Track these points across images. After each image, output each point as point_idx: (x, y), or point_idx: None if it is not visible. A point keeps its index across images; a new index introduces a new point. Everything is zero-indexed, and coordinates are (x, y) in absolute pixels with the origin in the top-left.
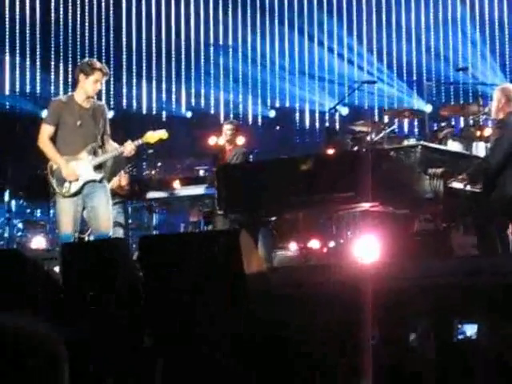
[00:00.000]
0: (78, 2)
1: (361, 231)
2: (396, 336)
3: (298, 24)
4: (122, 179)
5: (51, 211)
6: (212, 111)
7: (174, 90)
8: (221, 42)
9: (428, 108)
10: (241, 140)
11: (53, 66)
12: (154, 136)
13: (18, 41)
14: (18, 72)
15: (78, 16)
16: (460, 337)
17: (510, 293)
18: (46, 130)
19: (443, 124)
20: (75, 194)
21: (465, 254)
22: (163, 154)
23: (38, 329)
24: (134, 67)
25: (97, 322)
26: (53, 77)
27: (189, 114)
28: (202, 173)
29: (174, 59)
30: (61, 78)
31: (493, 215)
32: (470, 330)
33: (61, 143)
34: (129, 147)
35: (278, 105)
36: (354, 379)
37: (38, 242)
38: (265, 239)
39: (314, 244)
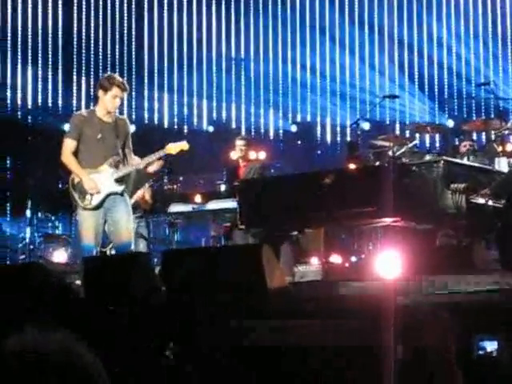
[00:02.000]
0: (100, 15)
1: (382, 246)
2: (417, 352)
3: (321, 38)
4: (145, 193)
5: (73, 225)
6: (234, 125)
7: (195, 104)
8: (243, 56)
9: (450, 123)
10: (253, 155)
11: (75, 79)
12: (175, 147)
13: (40, 53)
14: (40, 85)
15: (100, 28)
16: (480, 352)
17: None
18: (69, 145)
19: (465, 139)
20: (97, 207)
21: (487, 269)
22: (185, 168)
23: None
24: (156, 81)
25: (117, 336)
26: (75, 90)
27: (210, 129)
28: (223, 187)
29: (195, 73)
30: (83, 91)
31: None
32: (491, 346)
33: (83, 157)
34: (156, 164)
35: (299, 119)
36: None
37: (60, 256)
38: (286, 254)
39: (336, 259)
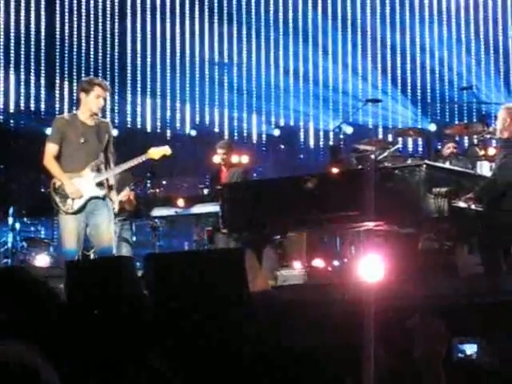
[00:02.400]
0: (83, 19)
1: (365, 250)
2: (400, 354)
3: (303, 42)
4: (130, 194)
5: (55, 229)
6: (216, 129)
7: (178, 108)
8: (225, 60)
9: (432, 127)
10: (236, 159)
11: (57, 83)
12: (157, 152)
13: (22, 57)
14: (22, 89)
15: (83, 32)
16: (460, 355)
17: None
18: (50, 149)
19: (447, 143)
20: (78, 211)
21: (469, 273)
22: (168, 172)
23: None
24: (139, 85)
25: (101, 342)
26: (57, 94)
27: (193, 133)
28: (206, 191)
29: (178, 77)
30: (65, 95)
31: (497, 234)
32: (470, 348)
33: (64, 160)
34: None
35: (282, 123)
36: None
37: (42, 260)
38: (269, 258)
39: (318, 263)
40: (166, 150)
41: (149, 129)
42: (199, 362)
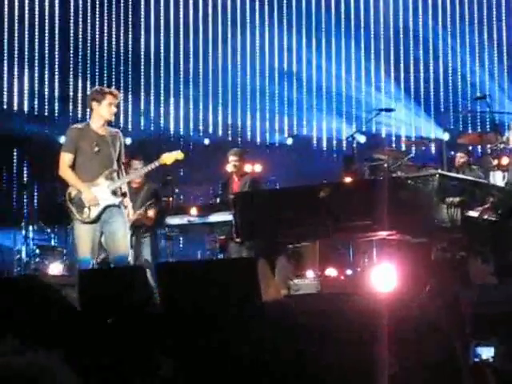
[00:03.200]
0: (97, 22)
1: (378, 259)
2: (413, 365)
3: (317, 51)
4: (148, 210)
5: (68, 237)
6: (230, 138)
7: (191, 116)
8: (240, 68)
9: (446, 136)
10: (248, 168)
11: (71, 92)
12: (169, 157)
13: (36, 60)
14: (36, 96)
15: (97, 36)
16: (476, 360)
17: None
18: (65, 158)
19: (460, 153)
20: (95, 220)
21: (482, 283)
22: (181, 180)
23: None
24: (152, 93)
25: (115, 349)
26: (71, 103)
27: (206, 141)
28: (218, 200)
29: (192, 84)
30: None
31: (510, 244)
32: (487, 352)
33: (79, 170)
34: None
35: (295, 132)
36: None
37: (55, 268)
38: (282, 267)
39: (332, 272)
40: (178, 154)
41: (162, 136)
42: (211, 371)
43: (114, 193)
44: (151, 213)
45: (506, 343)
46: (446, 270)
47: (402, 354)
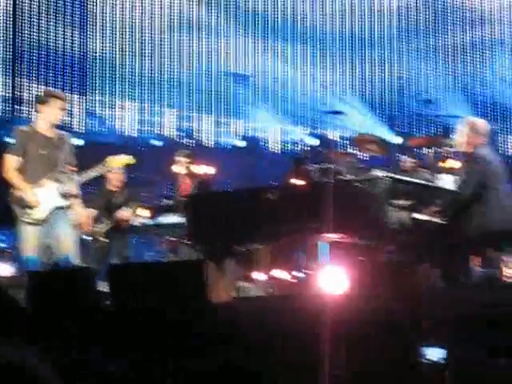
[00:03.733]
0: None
1: (327, 262)
2: (360, 367)
3: (268, 53)
4: (128, 213)
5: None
6: (179, 140)
7: (141, 117)
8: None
9: (395, 139)
10: (199, 170)
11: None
12: (118, 160)
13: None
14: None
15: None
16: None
17: (471, 322)
18: (10, 160)
19: (409, 156)
20: (40, 221)
21: (430, 286)
22: (130, 183)
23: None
24: (101, 95)
25: (64, 349)
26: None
27: (156, 143)
28: (169, 202)
29: (143, 86)
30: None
31: (458, 247)
32: (437, 354)
33: (25, 172)
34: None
35: (246, 134)
36: None
37: (3, 270)
38: (231, 269)
39: (281, 274)
40: (127, 158)
41: (112, 139)
42: (159, 372)
43: (61, 195)
44: (129, 215)
45: (456, 346)
46: (395, 272)
47: (350, 355)
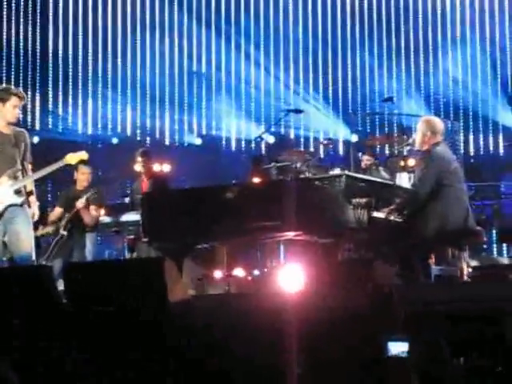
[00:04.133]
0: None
1: (285, 260)
2: (320, 364)
3: (226, 52)
4: (92, 208)
5: None
6: (138, 138)
7: (100, 115)
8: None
9: (354, 138)
10: (157, 168)
11: None
12: (74, 157)
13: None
14: None
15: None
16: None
17: (427, 319)
18: None
19: (367, 154)
20: None
21: (387, 284)
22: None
23: None
24: (60, 90)
25: (22, 352)
26: None
27: (115, 141)
28: (127, 200)
29: (99, 84)
30: None
31: (416, 245)
32: (400, 347)
33: None
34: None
35: (204, 132)
36: None
37: None
38: (189, 267)
39: (239, 272)
40: (83, 154)
41: (69, 136)
42: (117, 372)
43: (17, 192)
44: (94, 212)
45: (417, 340)
46: (352, 270)
47: (309, 353)
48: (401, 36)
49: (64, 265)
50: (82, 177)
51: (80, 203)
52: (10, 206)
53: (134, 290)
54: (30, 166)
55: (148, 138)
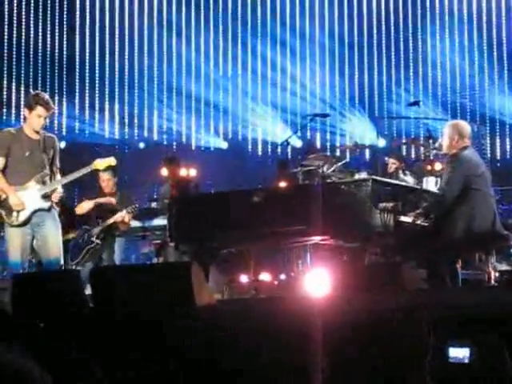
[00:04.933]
0: (32, 24)
1: (311, 264)
2: (345, 367)
3: (253, 56)
4: (126, 215)
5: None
6: (165, 142)
7: (126, 120)
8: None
9: (380, 142)
10: (184, 172)
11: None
12: (102, 163)
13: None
14: None
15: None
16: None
17: (460, 325)
18: None
19: (394, 158)
20: (23, 224)
21: (415, 288)
22: (122, 186)
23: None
24: (88, 97)
25: (47, 354)
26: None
27: (142, 145)
28: (154, 204)
29: (127, 89)
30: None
31: (443, 249)
32: (462, 353)
33: (9, 173)
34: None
35: (230, 136)
36: None
37: None
38: (216, 272)
39: (265, 277)
40: (111, 160)
41: (97, 141)
42: (143, 375)
43: (45, 197)
44: (127, 218)
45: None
46: (379, 274)
47: (334, 356)
48: (427, 39)
49: (91, 270)
50: (103, 184)
51: (120, 217)
52: (38, 210)
53: (160, 295)
54: (58, 171)
55: (174, 143)
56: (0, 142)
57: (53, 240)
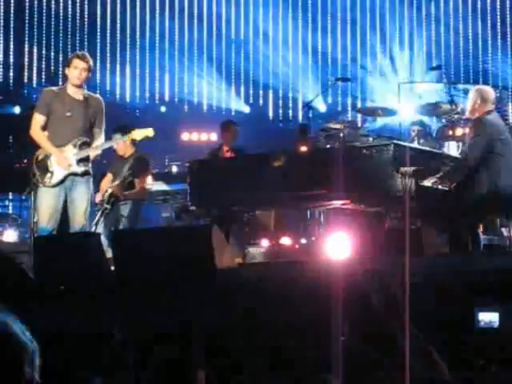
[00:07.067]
0: None
1: (332, 228)
2: (366, 332)
3: (277, 13)
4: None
5: (23, 205)
6: (186, 106)
7: (148, 83)
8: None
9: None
10: (203, 136)
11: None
12: (140, 134)
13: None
14: None
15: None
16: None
17: (483, 289)
18: (38, 120)
19: (415, 123)
20: (56, 185)
21: (436, 252)
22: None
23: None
24: (108, 55)
25: (70, 315)
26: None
27: (163, 109)
28: (174, 168)
29: (150, 53)
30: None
31: (464, 213)
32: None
33: (50, 133)
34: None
35: (251, 100)
36: (324, 374)
37: (10, 235)
38: (236, 235)
39: (286, 241)
40: (149, 131)
41: (119, 103)
42: (162, 338)
43: (80, 161)
44: (137, 185)
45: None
46: (400, 239)
47: (354, 318)
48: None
49: (112, 233)
50: (116, 146)
51: (114, 186)
52: (71, 174)
53: (181, 258)
54: (101, 134)
55: (196, 107)
56: (42, 100)
57: (80, 206)
